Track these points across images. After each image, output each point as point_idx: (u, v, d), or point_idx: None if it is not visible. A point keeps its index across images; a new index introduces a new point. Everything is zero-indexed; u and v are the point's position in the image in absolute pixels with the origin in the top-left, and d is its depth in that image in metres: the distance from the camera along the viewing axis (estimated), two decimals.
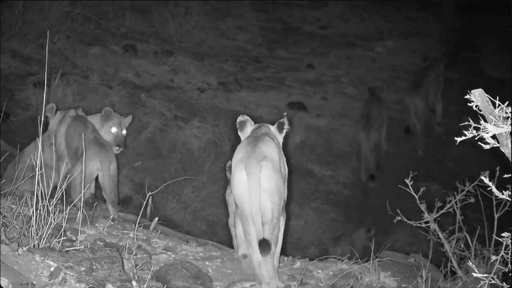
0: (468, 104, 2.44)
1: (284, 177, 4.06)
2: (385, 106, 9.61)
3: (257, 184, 3.87)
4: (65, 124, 5.75)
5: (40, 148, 3.50)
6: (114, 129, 5.91)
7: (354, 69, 12.10)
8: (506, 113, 2.39)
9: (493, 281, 2.62)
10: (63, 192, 3.68)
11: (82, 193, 3.89)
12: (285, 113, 4.59)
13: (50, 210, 3.41)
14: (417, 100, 9.69)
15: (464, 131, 2.43)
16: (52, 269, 3.11)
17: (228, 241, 5.97)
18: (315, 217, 8.41)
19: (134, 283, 3.24)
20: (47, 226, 3.36)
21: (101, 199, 6.43)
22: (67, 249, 3.39)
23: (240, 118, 4.35)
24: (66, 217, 3.67)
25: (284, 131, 4.36)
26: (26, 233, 3.37)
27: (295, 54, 12.48)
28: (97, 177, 5.65)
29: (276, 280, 3.92)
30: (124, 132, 6.00)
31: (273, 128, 4.34)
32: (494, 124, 2.38)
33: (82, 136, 4.95)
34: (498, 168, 3.81)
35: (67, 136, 5.69)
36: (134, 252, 3.97)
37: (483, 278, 2.60)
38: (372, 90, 9.62)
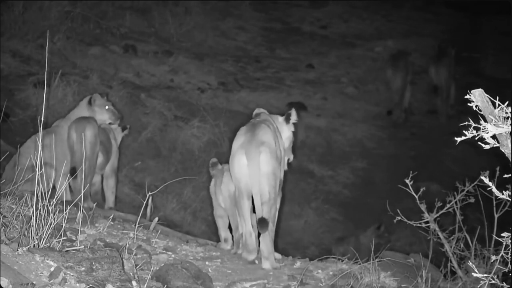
0: (468, 104, 2.44)
1: (279, 160, 4.46)
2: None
3: (256, 167, 4.28)
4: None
5: (40, 147, 3.50)
6: (107, 106, 6.04)
7: (354, 69, 12.10)
8: (506, 113, 2.39)
9: (493, 281, 2.62)
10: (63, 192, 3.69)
11: (82, 193, 3.88)
12: (293, 108, 5.06)
13: (50, 210, 3.41)
14: (442, 69, 10.60)
15: (464, 131, 2.42)
16: (52, 269, 3.11)
17: None
18: (315, 217, 8.41)
19: (134, 283, 3.24)
20: (47, 226, 3.36)
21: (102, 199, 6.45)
22: (67, 249, 3.39)
23: (256, 111, 4.83)
24: (66, 217, 3.67)
25: (291, 122, 4.85)
26: (26, 233, 3.37)
27: (295, 54, 12.49)
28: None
29: (273, 254, 4.36)
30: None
31: (280, 119, 4.86)
32: (494, 124, 2.38)
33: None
34: (498, 168, 3.80)
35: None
36: (134, 252, 3.97)
37: (483, 278, 2.60)
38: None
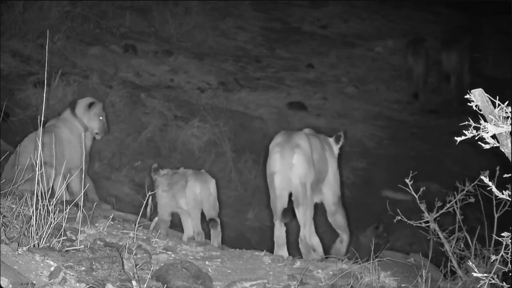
0: (468, 104, 2.44)
1: (314, 169, 4.95)
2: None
3: (289, 166, 4.76)
4: None
5: (40, 147, 3.50)
6: (102, 117, 6.03)
7: (354, 69, 12.09)
8: (506, 113, 2.39)
9: (493, 281, 2.62)
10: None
11: (82, 193, 3.88)
12: (344, 129, 5.75)
13: (50, 210, 3.41)
14: (453, 55, 11.08)
15: (464, 131, 2.42)
16: (52, 268, 3.11)
17: (228, 241, 5.98)
18: (315, 216, 8.39)
19: (134, 282, 3.24)
20: (47, 226, 3.36)
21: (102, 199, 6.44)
22: (67, 248, 3.39)
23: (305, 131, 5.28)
24: (66, 217, 3.67)
25: (340, 143, 5.46)
26: (26, 233, 3.37)
27: (295, 54, 12.48)
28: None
29: (284, 248, 4.96)
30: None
31: (330, 140, 5.47)
32: (494, 124, 2.38)
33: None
34: (498, 168, 3.80)
35: None
36: (134, 252, 3.97)
37: (483, 278, 2.60)
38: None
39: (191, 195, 5.45)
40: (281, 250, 4.97)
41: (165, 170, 5.76)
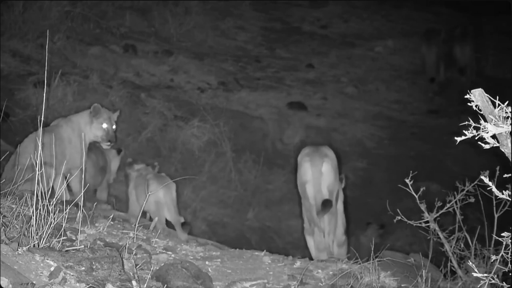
0: (468, 104, 2.44)
1: (339, 182, 5.37)
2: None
3: (319, 173, 5.12)
4: None
5: (40, 147, 3.50)
6: (105, 125, 5.89)
7: (354, 69, 12.09)
8: (506, 112, 2.39)
9: (493, 281, 2.62)
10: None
11: (82, 193, 3.88)
12: (342, 176, 5.69)
13: (50, 210, 3.41)
14: (467, 48, 11.73)
15: (464, 131, 2.42)
16: (52, 268, 3.11)
17: (228, 241, 5.99)
18: None
19: (134, 282, 3.24)
20: (47, 226, 3.36)
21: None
22: (67, 248, 3.39)
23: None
24: (66, 217, 3.67)
25: (343, 184, 5.61)
26: (26, 233, 3.37)
27: (295, 54, 12.48)
28: None
29: (325, 253, 5.22)
30: (114, 127, 5.99)
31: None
32: (494, 124, 2.38)
33: None
34: (498, 168, 3.80)
35: None
36: (134, 252, 3.97)
37: (483, 278, 2.60)
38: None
39: (153, 198, 5.49)
40: (323, 255, 5.22)
41: (140, 165, 5.81)
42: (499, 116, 2.39)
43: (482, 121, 2.40)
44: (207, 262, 4.27)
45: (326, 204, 5.14)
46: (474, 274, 2.60)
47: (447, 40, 12.02)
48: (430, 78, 11.87)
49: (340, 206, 5.59)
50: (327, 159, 5.21)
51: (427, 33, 12.07)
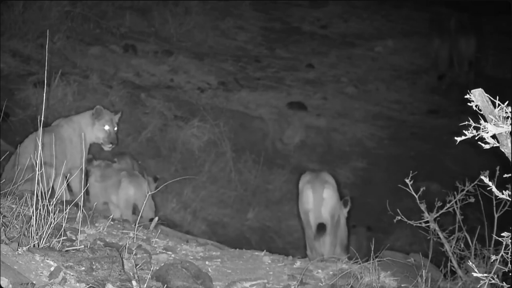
0: (468, 104, 2.44)
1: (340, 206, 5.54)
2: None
3: (320, 199, 5.30)
4: None
5: (40, 147, 3.49)
6: (107, 127, 5.87)
7: (354, 69, 12.09)
8: (506, 112, 2.39)
9: (493, 281, 2.62)
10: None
11: (82, 193, 3.88)
12: (347, 198, 5.83)
13: (50, 210, 3.41)
14: (472, 40, 11.96)
15: (464, 131, 2.42)
16: (52, 268, 3.11)
17: (228, 241, 5.98)
18: None
19: (134, 282, 3.24)
20: (47, 226, 3.36)
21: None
22: (67, 248, 3.39)
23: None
24: (66, 217, 3.67)
25: (348, 207, 5.72)
26: (26, 233, 3.37)
27: (295, 54, 12.47)
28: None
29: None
30: (115, 129, 5.98)
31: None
32: (494, 124, 2.38)
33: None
34: (498, 168, 3.80)
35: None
36: (134, 252, 3.97)
37: (483, 278, 2.60)
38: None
39: (124, 196, 5.84)
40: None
41: (98, 161, 6.07)
42: (499, 116, 2.39)
43: (482, 121, 2.40)
44: (207, 262, 4.27)
45: (321, 228, 5.30)
46: (474, 274, 2.60)
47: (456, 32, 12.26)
48: (439, 75, 11.90)
49: (342, 220, 5.73)
50: (328, 185, 5.42)
51: (435, 26, 12.29)
